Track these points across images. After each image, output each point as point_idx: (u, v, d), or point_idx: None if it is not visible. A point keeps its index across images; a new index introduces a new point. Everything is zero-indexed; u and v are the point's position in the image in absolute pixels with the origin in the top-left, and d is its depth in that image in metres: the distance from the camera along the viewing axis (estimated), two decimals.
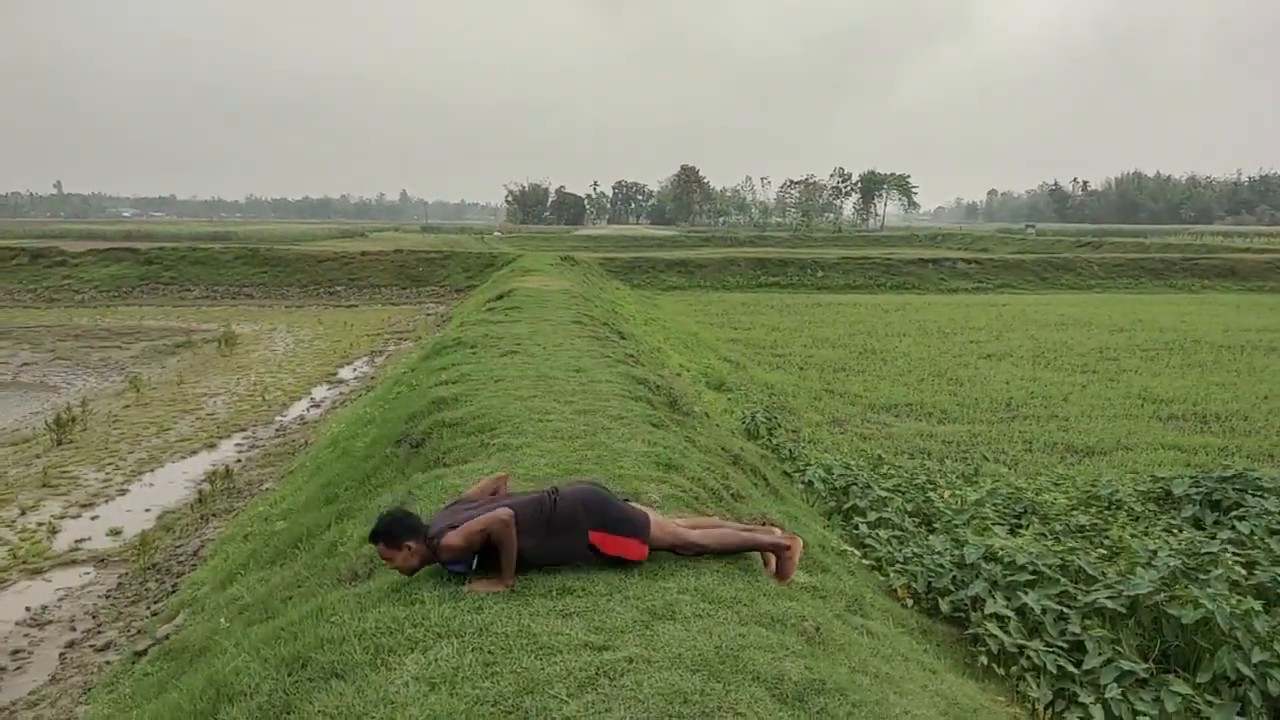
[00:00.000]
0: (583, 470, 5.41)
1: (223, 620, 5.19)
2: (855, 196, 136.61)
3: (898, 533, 7.20)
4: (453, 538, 3.61)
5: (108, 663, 6.52)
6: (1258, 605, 5.01)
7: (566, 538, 3.82)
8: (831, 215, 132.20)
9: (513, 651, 3.05)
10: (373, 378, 18.00)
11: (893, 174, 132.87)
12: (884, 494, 8.11)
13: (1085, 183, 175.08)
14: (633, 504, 4.13)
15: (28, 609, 7.81)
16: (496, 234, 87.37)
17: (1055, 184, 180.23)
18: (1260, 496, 7.59)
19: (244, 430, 14.23)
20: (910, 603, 5.97)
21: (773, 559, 4.38)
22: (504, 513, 3.64)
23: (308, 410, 15.73)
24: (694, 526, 4.23)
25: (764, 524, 5.85)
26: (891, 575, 6.29)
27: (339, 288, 36.91)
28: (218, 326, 25.93)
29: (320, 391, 17.48)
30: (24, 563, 8.79)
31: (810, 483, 8.64)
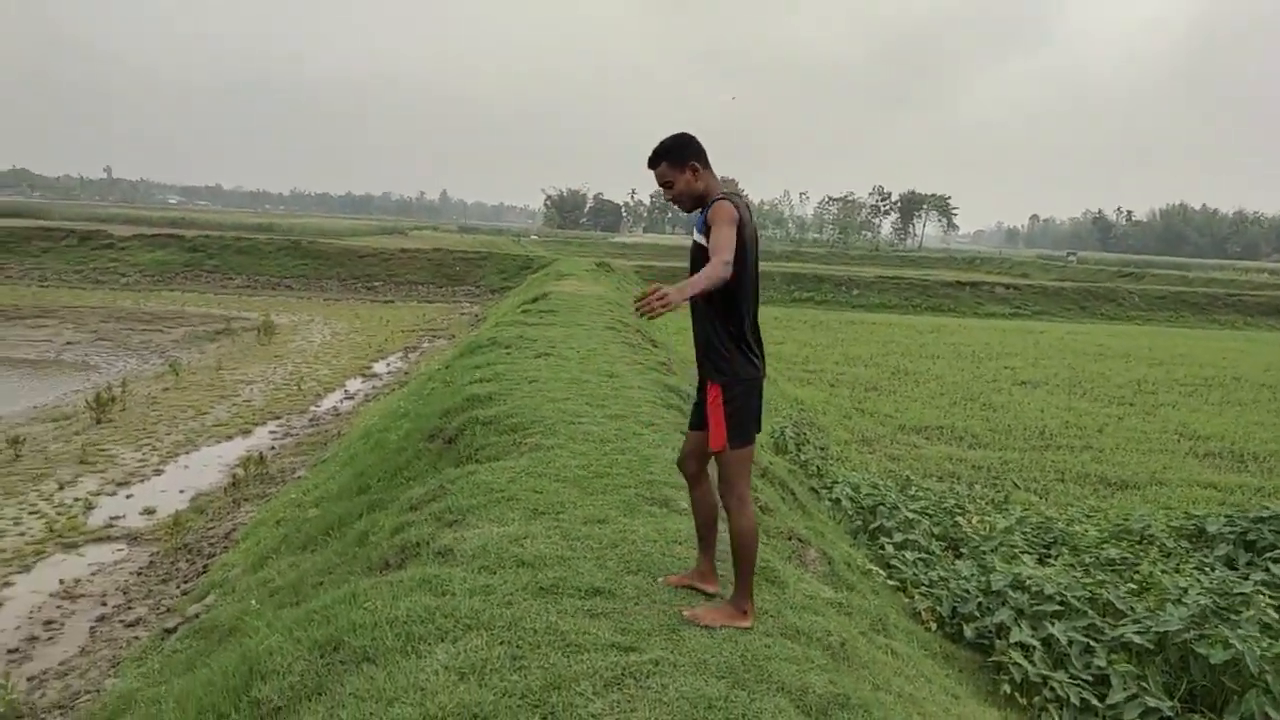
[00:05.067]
0: (613, 475, 5.45)
1: (253, 602, 5.28)
2: (894, 215, 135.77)
3: (924, 555, 7.15)
4: (724, 210, 3.30)
5: (137, 638, 6.65)
6: None
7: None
8: (869, 233, 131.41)
9: (541, 647, 3.09)
10: (407, 373, 18.20)
11: (933, 194, 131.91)
12: (911, 516, 8.06)
13: (1129, 212, 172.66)
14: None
15: (61, 581, 8.00)
16: (533, 237, 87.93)
17: (1099, 212, 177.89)
18: None
19: (279, 418, 14.44)
20: (934, 626, 5.93)
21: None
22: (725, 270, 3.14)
23: (341, 402, 15.94)
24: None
25: (789, 538, 5.85)
26: (916, 597, 6.26)
27: (377, 283, 37.37)
28: (257, 316, 26.34)
29: (354, 384, 17.70)
30: (60, 536, 8.99)
31: (838, 500, 8.61)
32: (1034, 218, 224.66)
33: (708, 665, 3.07)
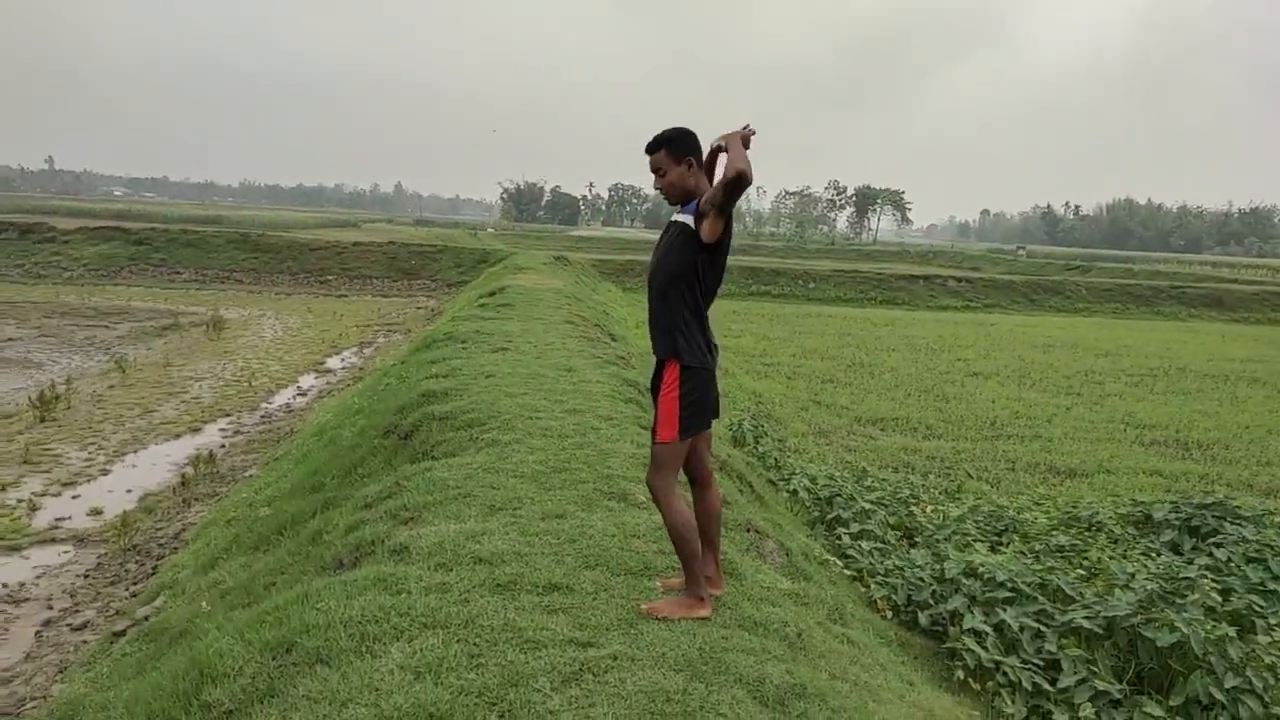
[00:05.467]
0: (571, 470, 5.43)
1: (204, 604, 5.18)
2: (849, 210, 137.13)
3: (880, 545, 7.24)
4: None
5: (84, 642, 6.48)
6: (1232, 631, 5.07)
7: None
8: (825, 227, 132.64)
9: (498, 644, 3.07)
10: (361, 368, 17.96)
11: (887, 189, 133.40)
12: (867, 506, 8.14)
13: (1077, 207, 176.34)
14: None
15: (4, 585, 7.76)
16: (490, 230, 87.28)
17: (1048, 207, 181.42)
18: (1238, 524, 7.66)
19: (229, 415, 14.17)
20: (890, 614, 6.01)
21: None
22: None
23: (294, 398, 15.68)
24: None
25: (747, 530, 5.88)
26: (872, 586, 6.33)
27: (330, 277, 36.79)
28: (206, 310, 25.81)
29: (307, 380, 17.42)
30: (2, 539, 8.73)
31: (795, 491, 8.67)
32: (985, 212, 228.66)
33: (665, 658, 3.07)
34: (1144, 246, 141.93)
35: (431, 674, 2.85)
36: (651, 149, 3.45)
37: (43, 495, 10.00)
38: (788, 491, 8.77)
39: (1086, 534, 7.86)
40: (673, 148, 3.41)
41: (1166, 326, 33.54)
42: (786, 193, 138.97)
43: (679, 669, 3.02)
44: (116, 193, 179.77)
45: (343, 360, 19.84)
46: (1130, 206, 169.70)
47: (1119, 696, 4.83)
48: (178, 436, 12.83)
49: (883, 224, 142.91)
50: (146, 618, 6.12)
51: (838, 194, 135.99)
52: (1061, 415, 14.75)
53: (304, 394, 16.03)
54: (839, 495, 8.38)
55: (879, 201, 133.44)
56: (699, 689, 2.90)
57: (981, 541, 7.41)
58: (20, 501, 9.71)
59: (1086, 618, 5.38)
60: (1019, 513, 8.39)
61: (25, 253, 35.80)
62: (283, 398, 15.74)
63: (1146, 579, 5.96)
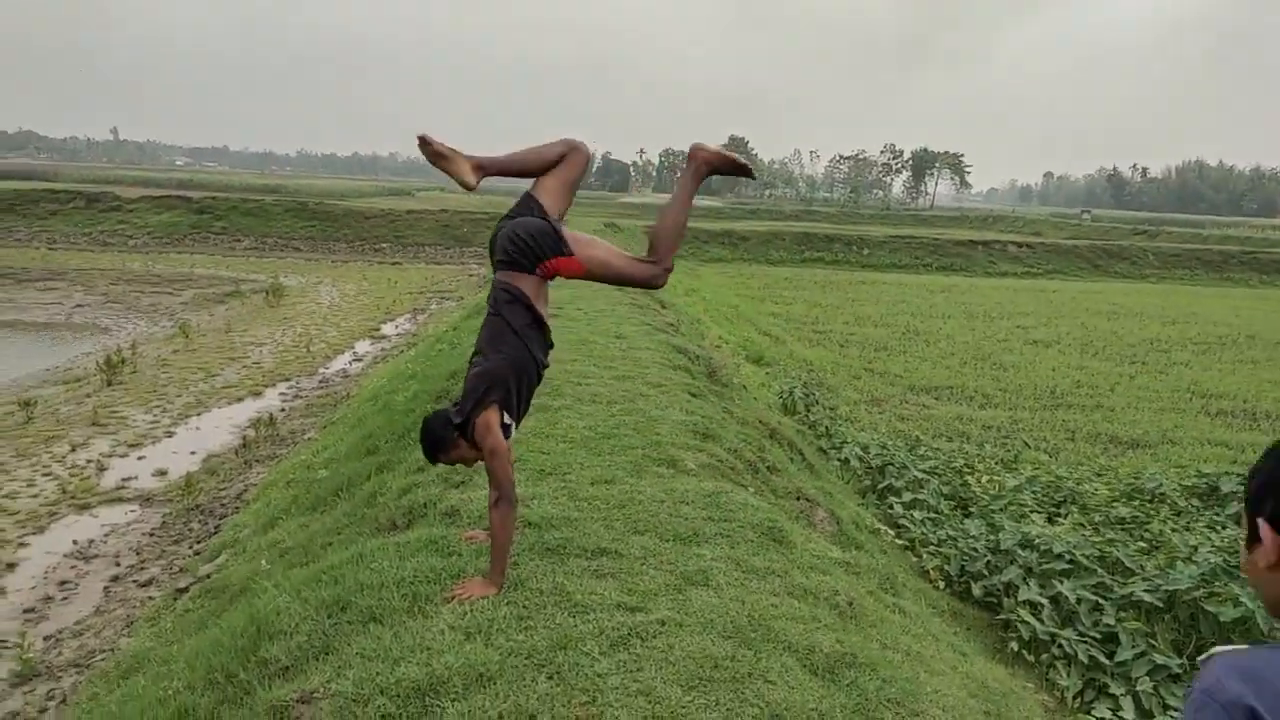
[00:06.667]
0: (620, 435, 5.43)
1: (264, 562, 5.31)
2: (906, 174, 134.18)
3: (932, 515, 7.15)
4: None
5: (150, 598, 6.72)
6: None
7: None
8: (880, 192, 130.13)
9: (546, 608, 3.09)
10: (415, 335, 18.19)
11: (946, 152, 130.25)
12: (920, 475, 8.05)
13: (1145, 169, 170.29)
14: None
15: (75, 543, 8.07)
16: None
17: (1114, 169, 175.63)
18: None
19: (288, 380, 14.48)
20: (942, 585, 5.95)
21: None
22: (504, 466, 3.15)
23: (350, 363, 15.96)
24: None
25: (797, 498, 5.83)
26: (925, 556, 6.27)
27: (384, 245, 37.26)
28: (266, 278, 26.34)
29: (363, 346, 17.71)
30: (73, 498, 9.06)
31: (846, 460, 8.60)
32: (1048, 175, 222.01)
33: (713, 625, 3.07)
34: (1215, 210, 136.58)
35: (481, 635, 2.88)
36: (433, 462, 3.41)
37: (110, 456, 10.34)
38: (839, 460, 8.70)
39: (1149, 506, 7.67)
40: (442, 448, 3.31)
41: (1237, 293, 32.42)
42: (840, 157, 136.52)
43: (727, 635, 3.01)
44: (179, 162, 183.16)
45: (397, 327, 20.12)
46: (1201, 169, 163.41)
47: (1178, 671, 4.73)
48: (239, 400, 13.15)
49: (941, 188, 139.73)
50: (208, 575, 6.30)
51: (894, 157, 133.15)
52: (1125, 384, 14.39)
53: (360, 359, 16.31)
54: (891, 464, 8.29)
55: (937, 165, 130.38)
56: (747, 656, 2.88)
57: (1039, 512, 7.28)
58: (89, 462, 10.06)
59: (1147, 591, 5.26)
60: (1079, 484, 8.22)
61: (92, 221, 36.83)
62: (339, 363, 16.03)
63: (1210, 552, 5.81)
